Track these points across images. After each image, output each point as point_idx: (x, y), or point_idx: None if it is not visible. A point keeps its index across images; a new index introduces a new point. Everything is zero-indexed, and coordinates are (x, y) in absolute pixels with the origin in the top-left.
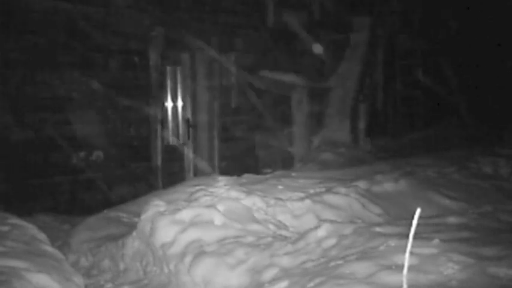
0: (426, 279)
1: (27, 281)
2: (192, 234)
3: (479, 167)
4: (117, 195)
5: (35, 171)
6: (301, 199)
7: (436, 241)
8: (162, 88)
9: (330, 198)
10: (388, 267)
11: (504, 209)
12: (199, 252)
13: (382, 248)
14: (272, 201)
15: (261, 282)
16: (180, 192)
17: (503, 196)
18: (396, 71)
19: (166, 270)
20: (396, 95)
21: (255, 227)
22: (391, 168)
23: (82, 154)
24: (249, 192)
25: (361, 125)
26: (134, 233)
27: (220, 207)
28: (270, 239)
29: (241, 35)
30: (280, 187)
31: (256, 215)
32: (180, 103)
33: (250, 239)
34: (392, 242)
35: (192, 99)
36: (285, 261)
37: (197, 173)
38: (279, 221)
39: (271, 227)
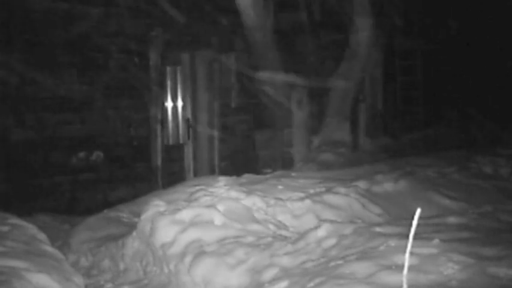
0: (426, 279)
1: (27, 281)
2: (192, 234)
3: (479, 167)
4: (117, 195)
5: (35, 171)
6: (301, 199)
7: (436, 241)
8: (162, 88)
9: (330, 198)
10: (388, 267)
11: (504, 209)
12: (199, 252)
13: (382, 248)
14: (272, 201)
15: (261, 282)
16: (180, 192)
17: (503, 196)
18: (396, 71)
19: (166, 270)
20: (396, 95)
21: (255, 227)
22: (391, 168)
23: (82, 154)
24: (249, 192)
25: (361, 125)
26: (134, 233)
27: (220, 207)
28: (270, 239)
29: (241, 35)
30: (280, 187)
31: (256, 215)
32: (180, 103)
33: (250, 239)
34: (392, 242)
35: (192, 99)
36: (285, 261)
37: (197, 173)
38: (279, 221)
39: (271, 227)
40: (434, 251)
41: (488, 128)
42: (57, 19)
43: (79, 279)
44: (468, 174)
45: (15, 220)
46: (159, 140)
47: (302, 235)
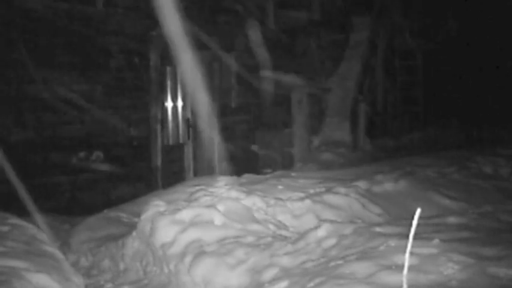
0: (426, 279)
1: (27, 281)
2: (192, 234)
3: (479, 167)
4: (117, 195)
5: (35, 171)
6: (301, 199)
7: (436, 241)
8: (162, 88)
9: (330, 198)
10: (388, 267)
11: (504, 209)
12: (199, 252)
13: (382, 248)
14: (272, 201)
15: (261, 282)
16: (180, 192)
17: (503, 196)
18: (396, 71)
19: (166, 270)
20: (396, 95)
21: (255, 227)
22: (391, 168)
23: (82, 154)
24: (249, 192)
25: (361, 125)
26: (134, 233)
27: (220, 207)
28: (270, 239)
29: (241, 35)
30: (280, 187)
31: (256, 215)
32: (180, 103)
33: (250, 239)
34: (393, 242)
35: (192, 99)
36: (285, 261)
37: (197, 173)
38: (279, 221)
39: (271, 227)
40: (434, 251)
41: (488, 128)
42: (57, 19)
43: (79, 279)
44: (468, 174)
45: (15, 220)
46: (159, 140)
47: (302, 235)
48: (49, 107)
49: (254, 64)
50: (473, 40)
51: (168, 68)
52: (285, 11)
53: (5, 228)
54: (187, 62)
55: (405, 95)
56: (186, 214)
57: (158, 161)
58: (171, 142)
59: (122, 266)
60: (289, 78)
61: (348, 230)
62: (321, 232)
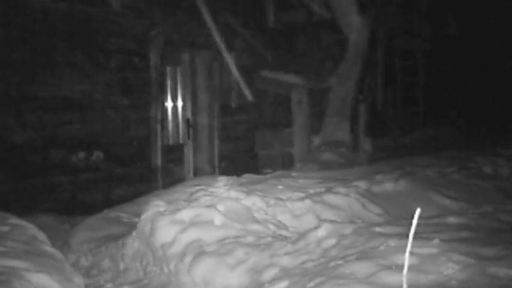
0: (426, 279)
1: (27, 281)
2: (192, 234)
3: (479, 167)
4: (117, 195)
5: (35, 171)
6: (301, 199)
7: (436, 241)
8: (162, 88)
9: (330, 198)
10: (388, 267)
11: (504, 209)
12: (199, 252)
13: (382, 248)
14: (272, 201)
15: (261, 282)
16: (180, 192)
17: (503, 196)
18: (396, 71)
19: (166, 270)
20: (396, 95)
21: (255, 227)
22: (391, 168)
23: (82, 154)
24: (249, 192)
25: (361, 125)
26: (134, 233)
27: (220, 207)
28: (270, 239)
29: (241, 35)
30: (280, 187)
31: (256, 215)
32: (180, 103)
33: (250, 239)
34: (393, 242)
35: (192, 99)
36: (285, 261)
37: (197, 173)
38: (279, 221)
39: (271, 227)
40: (434, 251)
41: (488, 128)
42: (57, 19)
43: (79, 279)
44: (468, 174)
45: (15, 220)
46: (159, 140)
47: (302, 235)
48: (49, 107)
49: (254, 64)
50: (473, 40)
51: (168, 68)
52: (285, 11)
53: (5, 228)
54: (188, 62)
55: (405, 95)
56: (186, 214)
57: (158, 161)
58: (171, 142)
59: (122, 266)
60: (289, 78)
61: (348, 230)
62: (321, 232)
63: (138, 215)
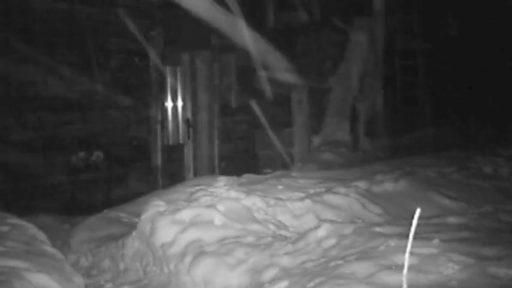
0: (426, 279)
1: (27, 281)
2: (192, 234)
3: (479, 167)
4: (117, 195)
5: (35, 171)
6: (301, 199)
7: (436, 241)
8: (162, 88)
9: (330, 198)
10: (388, 267)
11: (504, 209)
12: (199, 252)
13: (382, 248)
14: (272, 201)
15: (261, 282)
16: (180, 192)
17: (503, 196)
18: (396, 71)
19: (166, 270)
20: (396, 95)
21: (255, 227)
22: (391, 168)
23: (82, 154)
24: (249, 192)
25: (361, 125)
26: (134, 233)
27: (220, 207)
28: (270, 239)
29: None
30: (280, 187)
31: (256, 215)
32: (180, 103)
33: (250, 239)
34: (393, 242)
35: (192, 99)
36: (285, 261)
37: (197, 173)
38: (279, 221)
39: (271, 227)
40: (434, 251)
41: (488, 128)
42: (57, 19)
43: (79, 279)
44: (468, 174)
45: (15, 220)
46: (159, 140)
47: (302, 235)
48: (49, 107)
49: (254, 64)
50: (473, 40)
51: (168, 68)
52: (285, 11)
53: (5, 228)
54: (188, 62)
55: (405, 95)
56: (186, 214)
57: (158, 161)
58: (171, 142)
59: (122, 266)
60: (289, 78)
61: (348, 230)
62: (321, 232)
63: (138, 215)
